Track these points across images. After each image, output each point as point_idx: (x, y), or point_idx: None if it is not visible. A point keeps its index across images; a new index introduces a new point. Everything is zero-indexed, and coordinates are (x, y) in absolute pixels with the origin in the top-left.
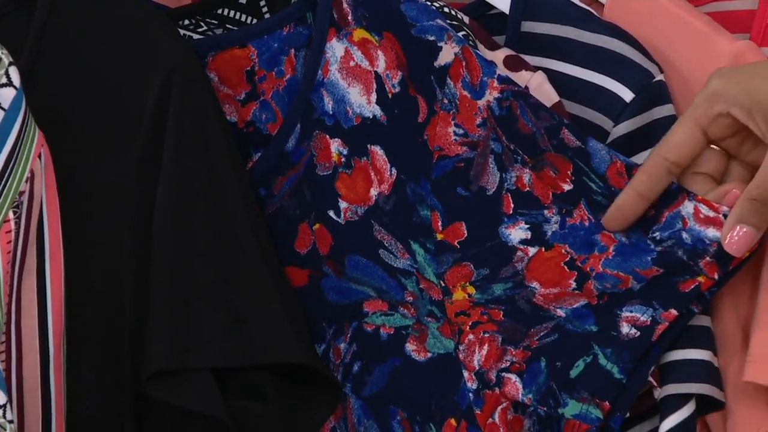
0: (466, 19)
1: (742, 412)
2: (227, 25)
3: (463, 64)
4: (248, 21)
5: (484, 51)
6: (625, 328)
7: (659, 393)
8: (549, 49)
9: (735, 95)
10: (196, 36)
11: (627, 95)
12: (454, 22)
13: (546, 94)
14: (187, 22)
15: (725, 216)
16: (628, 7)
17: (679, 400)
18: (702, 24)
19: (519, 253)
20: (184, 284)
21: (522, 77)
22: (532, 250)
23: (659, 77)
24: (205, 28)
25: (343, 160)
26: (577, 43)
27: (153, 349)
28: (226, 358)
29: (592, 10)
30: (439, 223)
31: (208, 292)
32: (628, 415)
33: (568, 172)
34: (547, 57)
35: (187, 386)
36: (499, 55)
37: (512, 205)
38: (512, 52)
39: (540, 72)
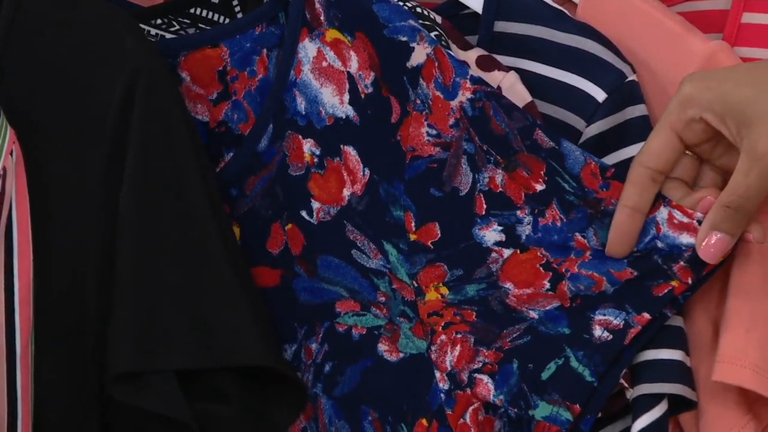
0: (439, 19)
1: (714, 412)
2: (200, 25)
3: (436, 64)
4: (221, 20)
5: (456, 51)
6: (598, 331)
7: (631, 393)
8: (522, 49)
9: (708, 100)
10: (168, 35)
11: (599, 95)
12: (427, 23)
13: (518, 94)
14: (159, 21)
15: (699, 222)
16: (601, 7)
17: (652, 400)
18: (675, 24)
19: (494, 255)
20: (148, 286)
21: (495, 77)
22: (507, 252)
23: (632, 77)
24: (177, 27)
25: (315, 160)
26: (550, 43)
27: (117, 350)
28: (190, 360)
29: (565, 11)
30: (413, 224)
31: (172, 294)
32: (599, 415)
33: (541, 173)
34: (520, 57)
35: (151, 388)
36: (471, 55)
37: (485, 206)
38: (485, 52)
39: (513, 72)
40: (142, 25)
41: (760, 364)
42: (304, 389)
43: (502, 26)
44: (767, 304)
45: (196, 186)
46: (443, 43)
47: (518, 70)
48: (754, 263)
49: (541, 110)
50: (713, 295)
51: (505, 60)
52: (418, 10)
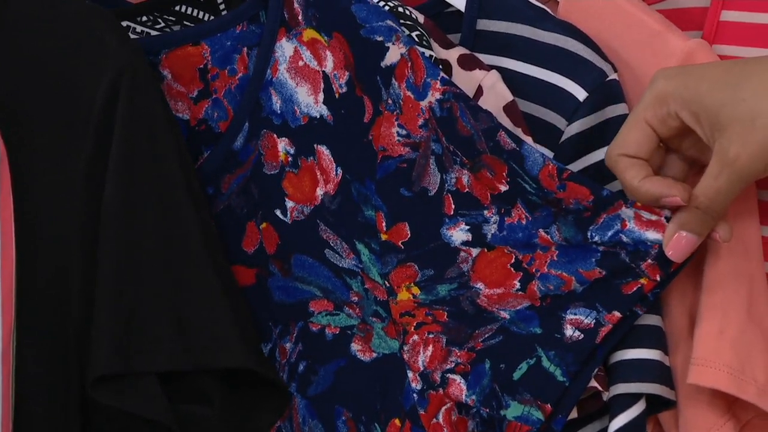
0: (421, 18)
1: (692, 411)
2: (185, 22)
3: (409, 64)
4: (206, 18)
5: (438, 50)
6: (569, 331)
7: (607, 395)
8: (504, 47)
9: (684, 99)
10: (154, 32)
11: (581, 94)
12: (408, 22)
13: (500, 93)
14: (144, 18)
15: (667, 219)
16: (582, 5)
17: (629, 400)
18: (655, 22)
19: (462, 254)
20: (129, 287)
21: (476, 76)
22: (474, 251)
23: (613, 76)
24: (162, 24)
25: (290, 159)
26: (532, 41)
27: (97, 352)
28: (172, 362)
29: (548, 9)
30: (384, 224)
31: (154, 295)
32: (576, 416)
33: (504, 174)
34: (502, 55)
35: (132, 390)
36: (453, 54)
37: (453, 206)
38: (466, 51)
39: (494, 71)
40: (128, 23)
41: (734, 366)
42: (286, 391)
43: (485, 24)
44: (740, 302)
45: (179, 185)
46: (425, 42)
47: (500, 69)
48: (726, 259)
49: (523, 109)
50: (689, 286)
51: (487, 59)
52: (400, 9)
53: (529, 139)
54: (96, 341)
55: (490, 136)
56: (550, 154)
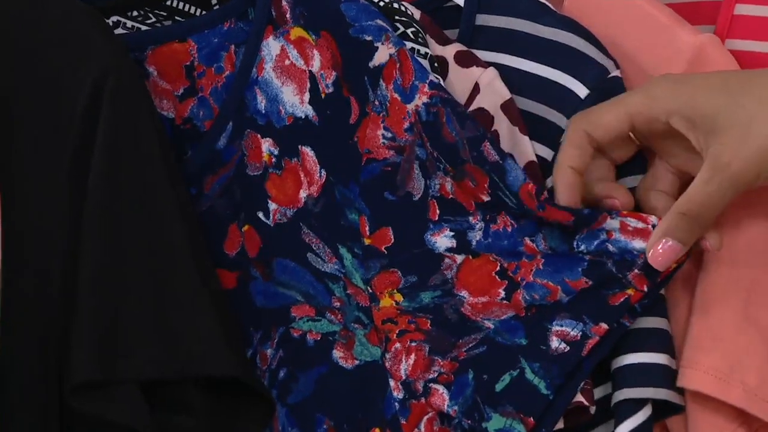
0: (417, 14)
1: (702, 416)
2: (176, 17)
3: (397, 65)
4: (197, 14)
5: (434, 46)
6: (555, 343)
7: (594, 408)
8: (503, 43)
9: (677, 105)
10: (144, 27)
11: (581, 91)
12: (404, 18)
13: (497, 90)
14: (135, 13)
15: (654, 227)
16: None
17: (635, 406)
18: (664, 16)
19: (447, 261)
20: (112, 291)
21: (473, 74)
22: (459, 258)
23: (615, 73)
24: (154, 19)
25: (273, 160)
26: (532, 37)
27: (77, 359)
28: (155, 370)
29: (548, 3)
30: (367, 228)
31: (137, 300)
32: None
33: (485, 185)
34: (501, 51)
35: (112, 398)
36: (449, 51)
37: (438, 212)
38: (463, 48)
39: (492, 68)
40: (118, 17)
41: (720, 368)
42: (272, 401)
43: (484, 19)
44: (736, 304)
45: (164, 189)
46: (420, 39)
47: (499, 66)
48: (726, 260)
49: (521, 107)
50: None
51: (485, 55)
52: (395, 5)
53: (525, 139)
54: (76, 347)
55: (474, 146)
56: (550, 153)
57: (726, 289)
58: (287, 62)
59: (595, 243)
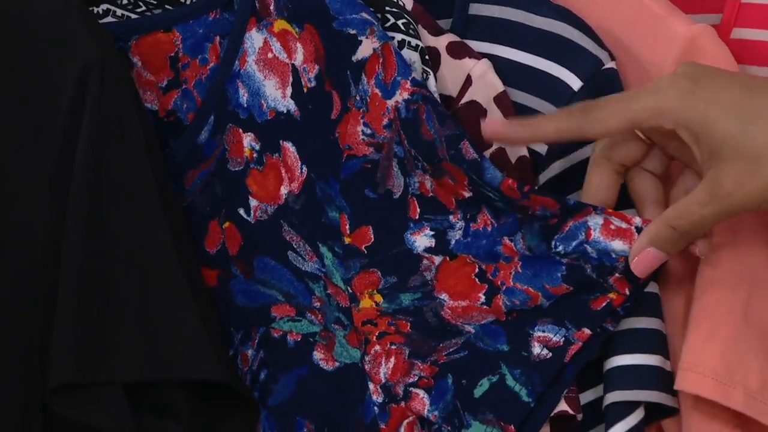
0: (409, 4)
1: (697, 419)
2: (166, 6)
3: (380, 60)
4: (188, 2)
5: (426, 37)
6: (537, 349)
7: (581, 416)
8: (496, 33)
9: (688, 120)
10: (134, 16)
11: (575, 83)
12: (394, 9)
13: (489, 83)
14: (125, 1)
15: (638, 229)
16: None
17: (626, 408)
18: (658, 6)
19: (425, 262)
20: (94, 290)
21: (465, 65)
22: (437, 259)
23: (610, 64)
24: (144, 8)
25: (255, 155)
26: (526, 27)
27: (58, 360)
28: (138, 373)
29: None
30: (347, 226)
31: (120, 300)
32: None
33: (465, 183)
34: (494, 42)
35: (94, 402)
36: (442, 42)
37: (419, 210)
38: (456, 39)
39: (485, 60)
40: (108, 5)
41: (720, 371)
42: (257, 405)
43: (477, 8)
44: (736, 306)
45: (149, 186)
46: (411, 31)
47: (491, 56)
48: (726, 260)
49: (514, 99)
50: (693, 289)
51: (478, 45)
52: None
53: None
54: (56, 347)
55: (452, 144)
56: (542, 147)
57: (725, 289)
58: (270, 55)
59: (573, 244)
